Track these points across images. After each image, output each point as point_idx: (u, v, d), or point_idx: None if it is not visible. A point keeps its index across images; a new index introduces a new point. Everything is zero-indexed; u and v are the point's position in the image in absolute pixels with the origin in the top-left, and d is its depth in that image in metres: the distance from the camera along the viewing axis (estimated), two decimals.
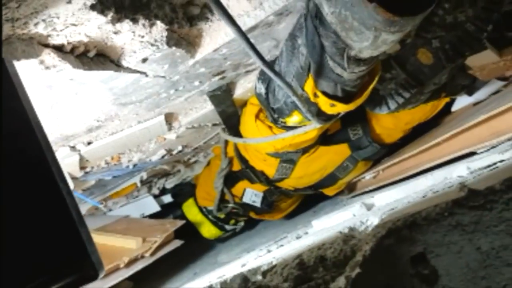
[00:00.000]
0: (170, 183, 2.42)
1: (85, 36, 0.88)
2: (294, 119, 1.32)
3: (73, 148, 1.57)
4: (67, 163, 1.62)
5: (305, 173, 1.83)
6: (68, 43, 0.87)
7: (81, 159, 1.64)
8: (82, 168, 1.71)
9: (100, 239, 1.84)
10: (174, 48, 1.03)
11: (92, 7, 0.79)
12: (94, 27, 0.86)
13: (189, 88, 1.45)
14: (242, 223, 2.30)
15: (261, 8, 1.04)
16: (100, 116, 1.37)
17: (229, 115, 1.73)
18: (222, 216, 2.18)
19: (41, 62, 0.86)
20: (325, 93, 1.04)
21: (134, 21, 0.89)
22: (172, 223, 2.10)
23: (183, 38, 1.08)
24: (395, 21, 0.73)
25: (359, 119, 1.74)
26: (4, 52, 0.75)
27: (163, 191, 2.47)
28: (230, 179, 1.99)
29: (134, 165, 1.93)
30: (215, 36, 1.11)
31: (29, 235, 0.52)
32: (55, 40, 0.85)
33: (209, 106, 1.69)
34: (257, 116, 1.57)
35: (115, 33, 0.91)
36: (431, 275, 0.74)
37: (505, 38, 1.42)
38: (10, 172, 0.52)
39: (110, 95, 1.23)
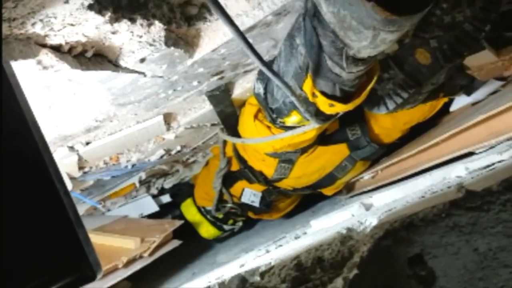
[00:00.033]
0: (168, 183, 2.42)
1: (82, 36, 0.87)
2: (292, 119, 1.32)
3: (71, 148, 1.56)
4: (66, 163, 1.62)
5: (304, 173, 1.83)
6: (66, 43, 0.87)
7: (80, 159, 1.64)
8: (80, 168, 1.70)
9: (98, 239, 1.84)
10: (172, 48, 1.03)
11: (90, 7, 0.78)
12: (92, 27, 0.85)
13: (188, 88, 1.45)
14: (240, 223, 2.30)
15: (260, 8, 1.04)
16: (98, 116, 1.37)
17: (228, 115, 1.73)
18: (220, 216, 2.18)
19: (39, 62, 0.85)
20: (323, 93, 1.04)
21: (132, 21, 0.88)
22: (170, 223, 2.09)
23: (181, 38, 1.08)
24: (393, 20, 0.73)
25: (357, 119, 1.74)
26: None
27: (162, 191, 2.46)
28: (229, 179, 1.99)
29: (133, 165, 1.92)
30: (214, 36, 1.11)
31: (25, 236, 0.51)
32: (53, 40, 0.85)
33: (207, 106, 1.69)
34: (255, 116, 1.57)
35: (113, 33, 0.91)
36: (429, 276, 0.74)
37: (503, 38, 1.42)
38: (6, 173, 0.52)
39: (108, 95, 1.23)
